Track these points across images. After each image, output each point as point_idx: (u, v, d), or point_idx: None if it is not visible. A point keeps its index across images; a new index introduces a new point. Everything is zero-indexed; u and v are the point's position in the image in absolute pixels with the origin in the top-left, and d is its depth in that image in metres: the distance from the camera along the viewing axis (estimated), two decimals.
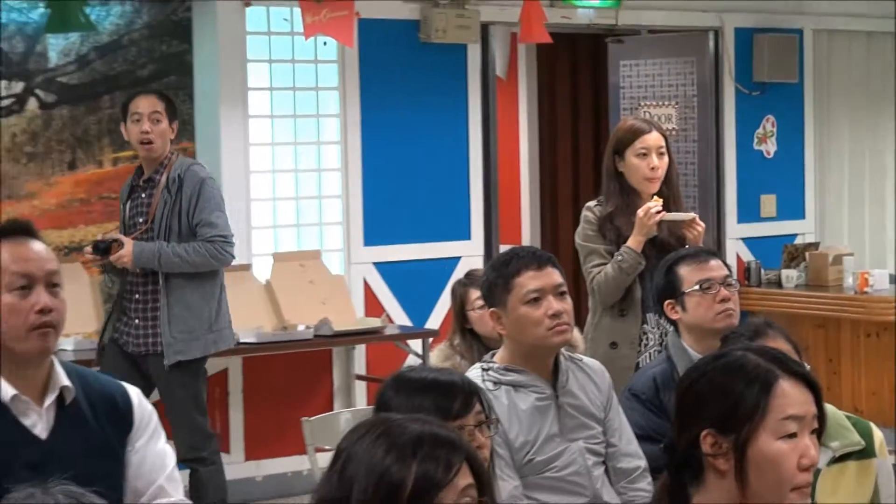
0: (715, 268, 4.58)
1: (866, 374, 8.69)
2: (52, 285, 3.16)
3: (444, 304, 7.96)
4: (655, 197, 5.52)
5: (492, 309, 4.12)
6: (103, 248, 6.22)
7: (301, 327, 7.49)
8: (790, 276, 9.19)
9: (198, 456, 6.28)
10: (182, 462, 5.72)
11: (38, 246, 3.18)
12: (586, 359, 4.31)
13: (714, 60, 9.29)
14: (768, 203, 9.59)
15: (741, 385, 2.61)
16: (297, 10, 7.46)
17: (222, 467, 6.46)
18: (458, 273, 7.60)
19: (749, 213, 9.50)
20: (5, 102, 7.35)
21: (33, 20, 7.39)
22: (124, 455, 3.25)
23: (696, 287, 4.53)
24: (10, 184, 7.36)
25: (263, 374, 7.81)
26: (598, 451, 4.12)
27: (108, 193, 7.47)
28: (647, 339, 5.47)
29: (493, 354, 4.18)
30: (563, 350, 4.16)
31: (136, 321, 6.26)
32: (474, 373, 4.05)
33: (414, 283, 8.27)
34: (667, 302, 4.59)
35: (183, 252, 6.17)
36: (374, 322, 7.77)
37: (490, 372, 4.08)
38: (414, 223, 8.30)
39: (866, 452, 3.87)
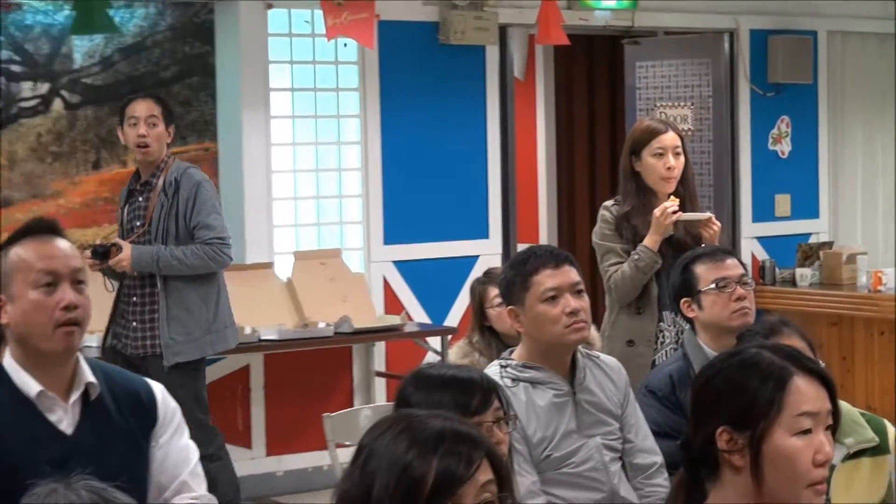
0: (731, 266, 4.59)
1: (880, 372, 8.66)
2: (78, 282, 3.17)
3: (462, 301, 7.93)
4: (672, 196, 5.53)
5: (510, 307, 4.12)
6: (102, 253, 6.19)
7: (322, 325, 7.49)
8: (804, 274, 9.18)
9: (204, 453, 6.29)
10: None
11: (63, 244, 3.20)
12: (603, 356, 4.31)
13: (729, 62, 9.25)
14: (783, 202, 9.58)
15: (756, 382, 2.62)
16: (319, 13, 7.48)
17: (230, 462, 6.47)
18: (477, 271, 7.59)
19: (764, 212, 9.48)
20: (31, 103, 7.40)
21: (59, 22, 7.43)
22: (148, 450, 3.27)
23: (713, 285, 4.54)
24: (36, 183, 7.40)
25: (285, 371, 7.83)
26: (615, 448, 4.13)
27: None
28: (663, 336, 5.48)
29: (512, 351, 4.19)
30: (580, 347, 4.16)
31: (134, 324, 6.27)
32: (493, 370, 4.06)
33: (433, 282, 8.27)
34: (683, 300, 4.60)
35: (181, 255, 6.18)
36: (394, 319, 7.78)
37: (508, 369, 4.09)
38: (433, 222, 8.30)
39: (880, 449, 3.88)
